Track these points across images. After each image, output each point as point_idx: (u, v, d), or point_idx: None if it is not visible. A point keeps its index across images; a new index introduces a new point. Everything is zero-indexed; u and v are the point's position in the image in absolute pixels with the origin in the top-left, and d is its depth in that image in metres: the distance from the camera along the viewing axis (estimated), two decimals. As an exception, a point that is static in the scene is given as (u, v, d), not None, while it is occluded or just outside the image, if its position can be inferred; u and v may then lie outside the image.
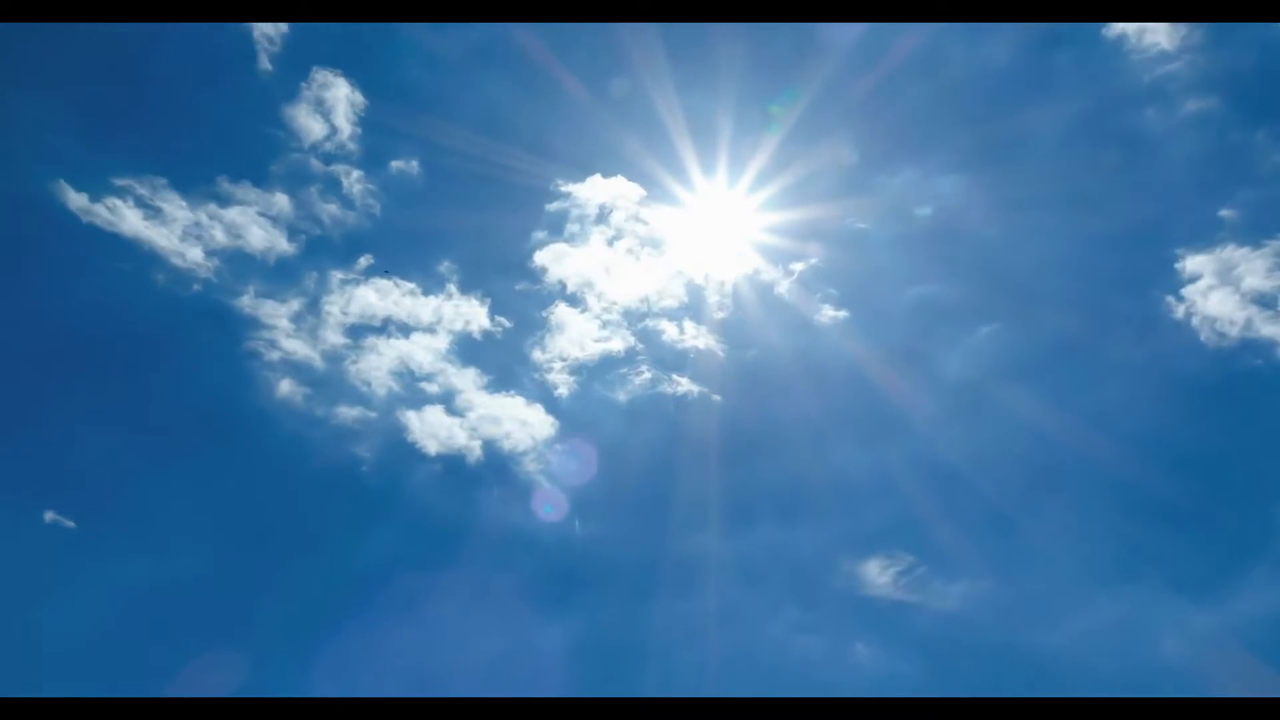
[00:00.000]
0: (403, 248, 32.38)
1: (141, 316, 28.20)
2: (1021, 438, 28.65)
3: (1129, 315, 29.96)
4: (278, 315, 30.18)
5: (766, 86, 29.56)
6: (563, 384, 30.78)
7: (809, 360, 29.72)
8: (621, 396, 30.25)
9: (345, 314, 30.96)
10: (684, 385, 30.09)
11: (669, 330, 31.08)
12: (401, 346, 30.96)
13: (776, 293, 30.71)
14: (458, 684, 23.77)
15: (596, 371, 30.61)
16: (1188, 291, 28.76)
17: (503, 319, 31.66)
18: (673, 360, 30.39)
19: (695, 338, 30.72)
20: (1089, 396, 29.10)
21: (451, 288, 32.30)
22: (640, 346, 30.83)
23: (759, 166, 29.36)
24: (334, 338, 30.52)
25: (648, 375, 30.36)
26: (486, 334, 31.56)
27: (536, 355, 31.37)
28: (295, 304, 30.64)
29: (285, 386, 29.15)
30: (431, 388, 30.60)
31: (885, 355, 30.35)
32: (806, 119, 28.95)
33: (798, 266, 30.43)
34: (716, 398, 29.34)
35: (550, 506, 25.98)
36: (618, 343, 31.01)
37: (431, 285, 31.94)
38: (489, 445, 29.64)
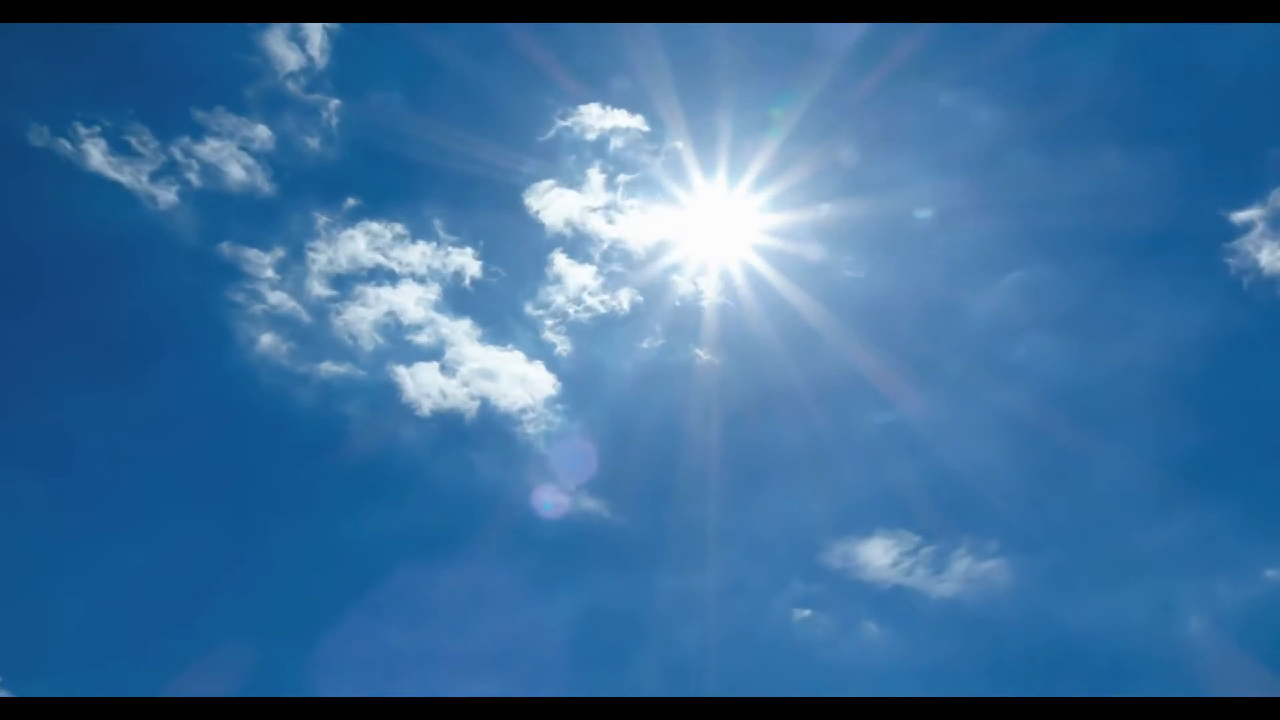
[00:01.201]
0: (388, 186, 30.25)
1: (113, 267, 26.30)
2: (1049, 405, 27.09)
3: (1173, 269, 27.95)
4: (261, 264, 28.34)
5: (767, 88, 27.45)
6: (563, 340, 29.16)
7: (822, 325, 27.90)
8: (626, 356, 28.63)
9: (331, 262, 29.11)
10: (693, 349, 28.46)
11: (677, 287, 29.26)
12: (390, 296, 29.19)
13: (786, 258, 28.71)
14: (452, 657, 22.90)
15: (599, 328, 28.88)
16: (1239, 244, 26.77)
17: (497, 267, 29.84)
18: (682, 320, 28.67)
19: (705, 297, 28.94)
20: (1127, 360, 27.30)
21: (440, 231, 30.40)
22: (647, 304, 28.99)
23: (760, 168, 27.26)
24: (320, 288, 28.74)
25: (655, 335, 28.68)
26: (479, 284, 29.77)
27: (535, 309, 29.67)
28: (280, 251, 28.75)
29: (269, 341, 27.55)
30: (423, 340, 28.97)
31: (903, 312, 28.50)
32: (808, 120, 26.86)
33: (813, 224, 28.47)
34: (725, 363, 27.71)
35: (550, 503, 24.62)
36: (623, 299, 29.18)
37: (419, 228, 29.99)
38: (485, 404, 28.21)
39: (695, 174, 27.97)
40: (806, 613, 24.39)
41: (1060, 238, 29.03)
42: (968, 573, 24.66)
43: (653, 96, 27.64)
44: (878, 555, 24.75)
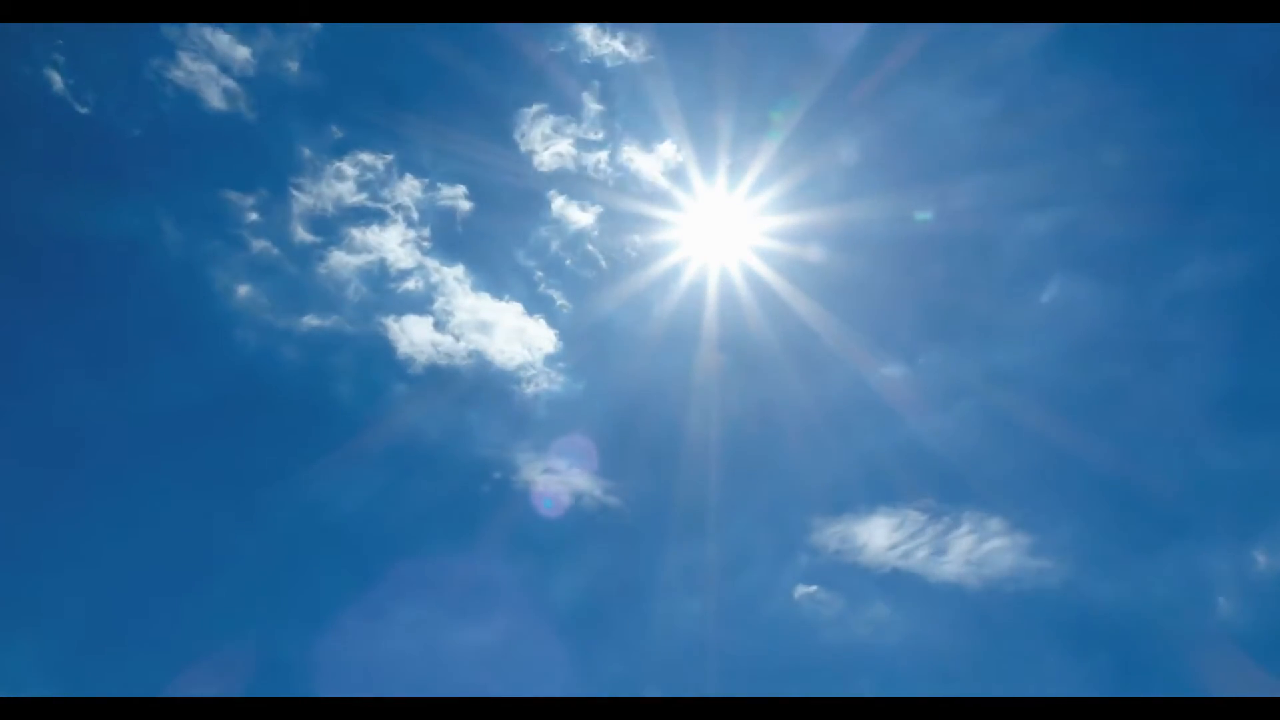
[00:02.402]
0: (374, 113, 28.02)
1: (75, 211, 24.12)
2: (1082, 367, 25.55)
3: (1228, 218, 26.14)
4: (243, 206, 26.30)
5: (767, 90, 25.70)
6: (562, 292, 27.52)
7: (822, 314, 26.15)
8: (633, 313, 26.87)
9: (317, 201, 27.16)
10: (703, 305, 26.63)
11: (687, 235, 27.30)
12: (378, 239, 27.35)
13: (789, 249, 26.73)
14: (445, 627, 22.14)
15: (601, 279, 27.07)
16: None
17: (490, 206, 28.01)
18: (687, 283, 26.96)
19: (715, 252, 26.98)
20: (1169, 317, 25.78)
21: (429, 164, 28.50)
22: (650, 253, 27.16)
23: (761, 170, 25.55)
24: (304, 232, 26.77)
25: (660, 292, 26.87)
26: (471, 225, 28.01)
27: (531, 256, 27.98)
28: (262, 191, 26.64)
29: (250, 293, 25.72)
30: (412, 287, 27.26)
31: (920, 258, 26.74)
32: (810, 122, 25.30)
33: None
34: (737, 327, 25.98)
35: (550, 501, 23.38)
36: (626, 247, 27.38)
37: (408, 160, 28.00)
38: (480, 359, 26.73)
39: (696, 175, 26.26)
40: (811, 589, 23.76)
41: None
42: (969, 553, 23.99)
43: (653, 97, 26.16)
44: (880, 535, 24.02)
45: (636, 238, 27.95)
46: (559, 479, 23.79)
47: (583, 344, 26.51)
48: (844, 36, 24.23)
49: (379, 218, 27.62)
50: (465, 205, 28.11)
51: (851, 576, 23.60)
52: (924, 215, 25.41)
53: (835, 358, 25.72)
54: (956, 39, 24.76)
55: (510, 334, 26.93)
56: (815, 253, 25.73)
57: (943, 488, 24.89)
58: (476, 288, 27.52)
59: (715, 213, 26.45)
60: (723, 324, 25.75)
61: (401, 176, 28.02)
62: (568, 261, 28.10)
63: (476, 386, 26.03)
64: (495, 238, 28.45)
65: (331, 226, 27.14)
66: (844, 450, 25.70)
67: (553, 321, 26.94)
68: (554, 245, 28.07)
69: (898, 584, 23.62)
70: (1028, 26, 23.80)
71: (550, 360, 26.66)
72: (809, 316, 25.66)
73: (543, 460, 24.46)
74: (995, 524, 24.78)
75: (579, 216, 28.28)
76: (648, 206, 27.85)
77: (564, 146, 27.89)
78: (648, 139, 27.47)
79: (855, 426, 25.82)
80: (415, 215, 27.94)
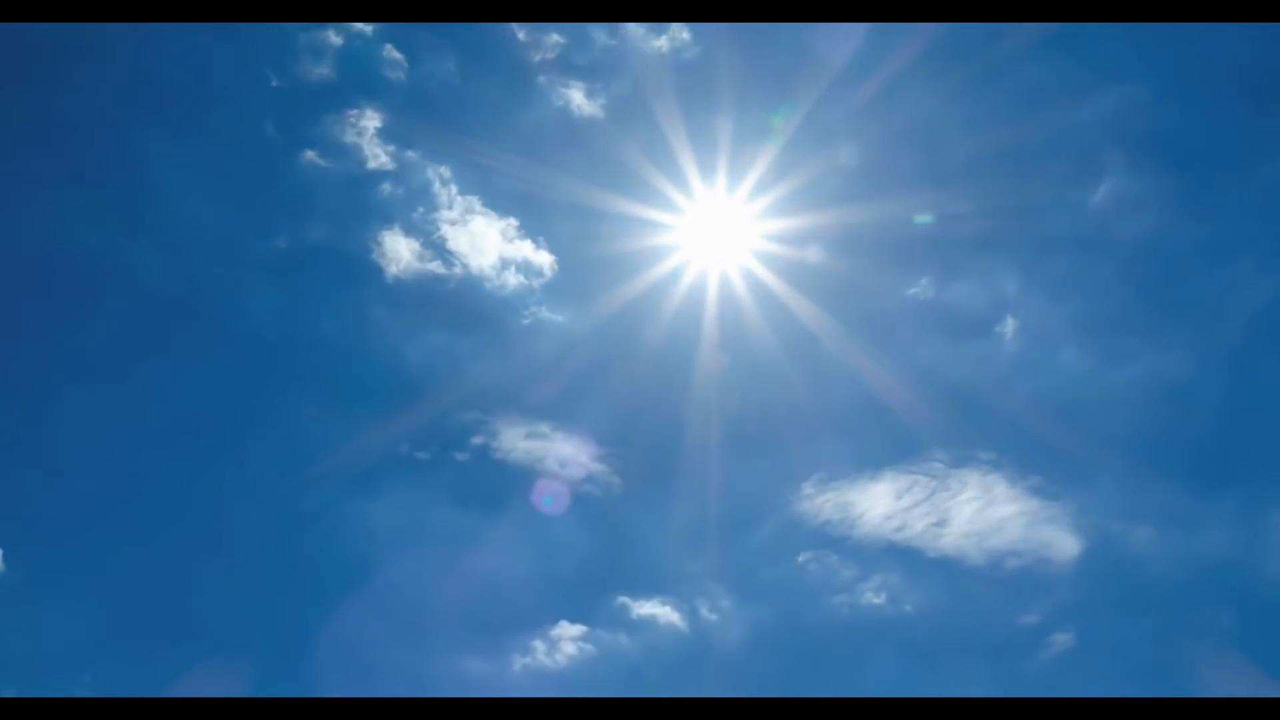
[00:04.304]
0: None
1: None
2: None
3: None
4: (202, 86, 22.51)
5: (768, 92, 24.16)
6: (556, 210, 24.59)
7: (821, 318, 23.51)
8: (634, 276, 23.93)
9: (289, 81, 23.49)
10: (703, 302, 23.50)
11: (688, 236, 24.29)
12: (357, 135, 23.98)
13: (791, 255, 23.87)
14: (437, 590, 20.68)
15: (602, 215, 24.01)
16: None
17: (478, 85, 24.83)
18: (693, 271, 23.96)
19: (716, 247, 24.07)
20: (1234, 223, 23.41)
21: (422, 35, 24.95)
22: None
23: (760, 174, 23.68)
24: (274, 129, 23.06)
25: (670, 283, 23.79)
26: (455, 105, 24.76)
27: (526, 157, 24.89)
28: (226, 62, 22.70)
29: (210, 206, 22.20)
30: (390, 191, 24.18)
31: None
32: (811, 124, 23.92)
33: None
34: (737, 322, 23.26)
35: (551, 499, 21.23)
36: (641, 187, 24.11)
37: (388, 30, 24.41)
38: (469, 277, 24.00)
39: (695, 179, 23.79)
40: (810, 554, 22.67)
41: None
42: (970, 523, 22.78)
43: (652, 100, 24.06)
44: (884, 499, 22.73)
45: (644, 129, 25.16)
46: (549, 445, 21.87)
47: (581, 272, 23.93)
48: (844, 38, 23.32)
49: (359, 100, 24.35)
50: (456, 83, 24.96)
51: (848, 544, 22.39)
52: (924, 218, 23.85)
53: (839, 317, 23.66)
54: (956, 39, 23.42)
55: (504, 254, 24.15)
56: (820, 229, 23.72)
57: (950, 443, 23.25)
58: (463, 192, 24.56)
59: (715, 217, 24.14)
60: (723, 320, 23.46)
61: (381, 47, 24.77)
62: (568, 162, 25.23)
63: (467, 314, 23.49)
64: (486, 128, 25.45)
65: (308, 108, 23.72)
66: (843, 409, 23.79)
67: (552, 245, 24.24)
68: (552, 140, 25.07)
69: (896, 553, 22.45)
70: (1027, 27, 22.94)
71: (549, 289, 24.03)
72: (813, 283, 23.42)
73: (532, 419, 22.36)
74: (1003, 487, 23.64)
75: (582, 103, 25.34)
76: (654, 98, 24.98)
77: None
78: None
79: (855, 384, 23.76)
80: (399, 98, 24.85)
